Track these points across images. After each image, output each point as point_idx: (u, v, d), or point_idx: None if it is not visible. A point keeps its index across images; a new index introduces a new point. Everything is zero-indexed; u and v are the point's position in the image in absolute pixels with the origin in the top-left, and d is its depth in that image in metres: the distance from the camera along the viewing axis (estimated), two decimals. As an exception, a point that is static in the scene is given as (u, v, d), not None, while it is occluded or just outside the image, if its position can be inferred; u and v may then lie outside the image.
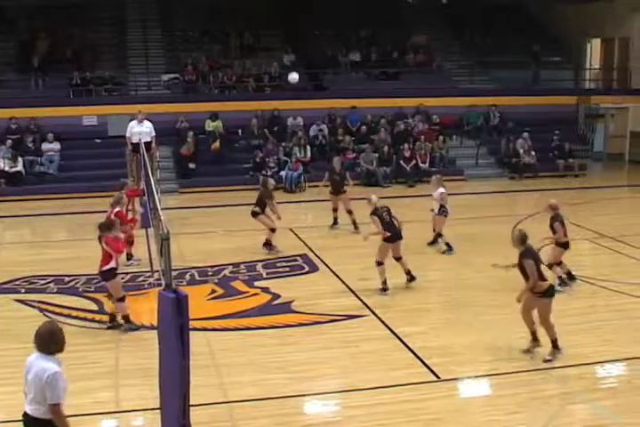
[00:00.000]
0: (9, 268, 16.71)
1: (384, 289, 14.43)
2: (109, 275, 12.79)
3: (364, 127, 28.93)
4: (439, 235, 17.60)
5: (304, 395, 10.42)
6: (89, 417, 9.68)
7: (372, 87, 30.39)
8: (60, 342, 7.24)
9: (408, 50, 32.58)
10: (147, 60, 31.17)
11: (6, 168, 26.01)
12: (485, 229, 19.55)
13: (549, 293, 11.22)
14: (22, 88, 29.45)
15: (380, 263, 14.42)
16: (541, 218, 15.91)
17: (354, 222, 19.14)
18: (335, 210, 19.83)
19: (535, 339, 11.58)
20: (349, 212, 19.25)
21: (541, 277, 11.20)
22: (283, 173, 26.34)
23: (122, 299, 12.79)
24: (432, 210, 17.60)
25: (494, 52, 31.60)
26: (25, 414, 7.18)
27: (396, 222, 14.71)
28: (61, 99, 28.81)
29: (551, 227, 14.20)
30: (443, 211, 17.36)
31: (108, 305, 13.47)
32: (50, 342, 7.17)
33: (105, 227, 13.13)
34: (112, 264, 12.76)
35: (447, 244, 17.38)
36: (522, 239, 11.34)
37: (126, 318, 12.82)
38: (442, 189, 17.41)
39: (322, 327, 12.84)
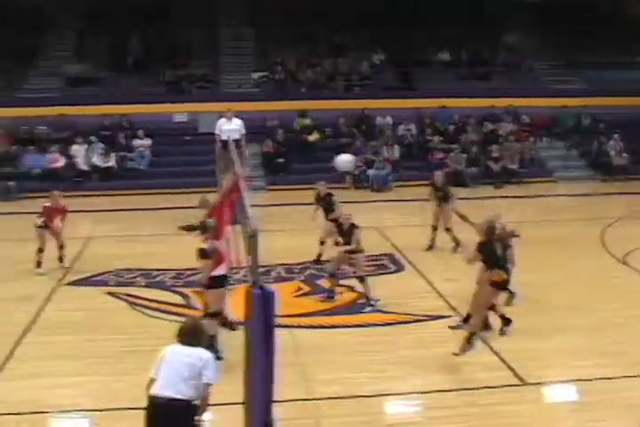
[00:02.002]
0: (99, 261, 17.07)
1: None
2: (214, 283, 11.68)
3: (452, 127, 28.74)
4: None
5: (387, 394, 10.38)
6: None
7: (462, 87, 30.15)
8: (203, 336, 7.69)
9: (499, 49, 32.25)
10: (237, 59, 31.50)
11: (99, 163, 26.62)
12: (574, 232, 19.22)
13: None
14: (116, 85, 30.04)
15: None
16: (632, 221, 15.59)
17: (454, 239, 17.28)
18: (435, 229, 17.74)
19: None
20: (448, 229, 17.49)
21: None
22: (370, 172, 26.32)
23: (215, 314, 11.53)
24: None
25: (586, 52, 31.05)
26: (164, 399, 7.28)
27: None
28: (153, 96, 29.30)
29: None
30: None
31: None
32: (193, 336, 7.53)
33: (203, 229, 12.04)
34: (220, 271, 11.70)
35: None
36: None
37: (213, 337, 11.25)
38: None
39: (407, 327, 12.79)
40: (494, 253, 11.37)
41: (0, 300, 14.47)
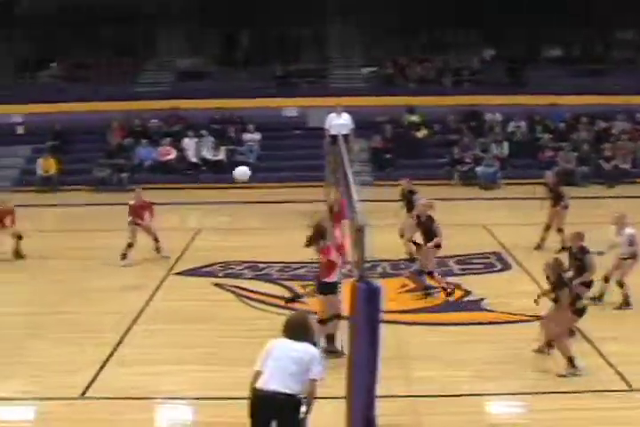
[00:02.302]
0: (208, 252, 17.38)
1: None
2: (328, 288, 11.31)
3: (563, 125, 28.22)
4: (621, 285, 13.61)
5: (489, 394, 10.27)
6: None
7: (573, 84, 29.51)
8: (310, 331, 7.62)
9: (612, 46, 31.49)
10: (347, 54, 31.57)
11: (209, 157, 27.07)
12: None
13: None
14: (226, 80, 30.45)
15: None
16: None
17: (563, 242, 16.24)
18: (547, 228, 17.29)
19: None
20: (560, 230, 16.98)
21: None
22: (478, 169, 26.07)
23: (330, 319, 11.21)
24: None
25: None
26: (270, 393, 7.29)
27: None
28: (263, 91, 29.59)
29: None
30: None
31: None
32: (300, 331, 7.50)
33: (319, 235, 11.64)
34: (333, 277, 11.35)
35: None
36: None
37: (330, 337, 11.32)
38: (630, 230, 13.65)
39: (512, 327, 12.62)
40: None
41: (111, 289, 14.89)
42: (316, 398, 7.45)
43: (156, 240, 16.98)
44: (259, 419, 7.37)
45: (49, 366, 11.15)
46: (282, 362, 7.35)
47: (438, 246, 14.25)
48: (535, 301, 11.30)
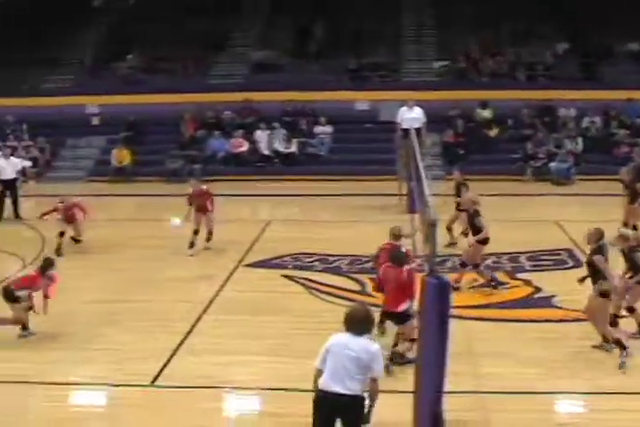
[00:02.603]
0: (278, 244, 17.47)
1: None
2: (405, 318, 10.78)
3: (639, 120, 27.71)
4: None
5: (558, 393, 10.14)
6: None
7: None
8: (372, 324, 7.54)
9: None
10: (419, 47, 31.43)
11: (281, 149, 27.19)
12: None
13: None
14: (299, 72, 30.54)
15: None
16: None
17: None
18: (625, 225, 16.60)
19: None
20: (635, 227, 16.55)
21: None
22: (551, 165, 25.75)
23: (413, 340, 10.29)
24: None
25: None
26: (332, 394, 7.27)
27: None
28: (335, 84, 29.62)
29: None
30: None
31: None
32: (362, 324, 7.37)
33: (398, 260, 10.97)
34: (407, 305, 10.71)
35: None
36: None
37: (401, 355, 10.78)
38: None
39: (583, 325, 12.42)
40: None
41: (183, 278, 15.09)
42: (377, 396, 7.40)
43: (210, 233, 17.16)
44: (323, 418, 7.39)
45: (122, 354, 11.38)
46: (341, 362, 7.27)
47: (483, 242, 14.04)
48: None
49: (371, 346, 7.33)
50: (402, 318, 10.74)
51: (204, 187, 17.62)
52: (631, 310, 11.87)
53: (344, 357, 7.26)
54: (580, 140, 26.74)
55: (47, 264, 12.21)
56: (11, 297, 11.83)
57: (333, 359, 7.32)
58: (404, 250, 11.78)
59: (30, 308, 12.03)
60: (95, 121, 29.82)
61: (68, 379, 10.59)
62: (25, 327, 12.05)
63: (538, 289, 14.10)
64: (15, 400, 9.90)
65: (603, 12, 30.43)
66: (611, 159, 25.99)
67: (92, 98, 29.50)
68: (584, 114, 27.84)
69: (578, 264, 15.72)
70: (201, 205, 17.01)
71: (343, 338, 7.38)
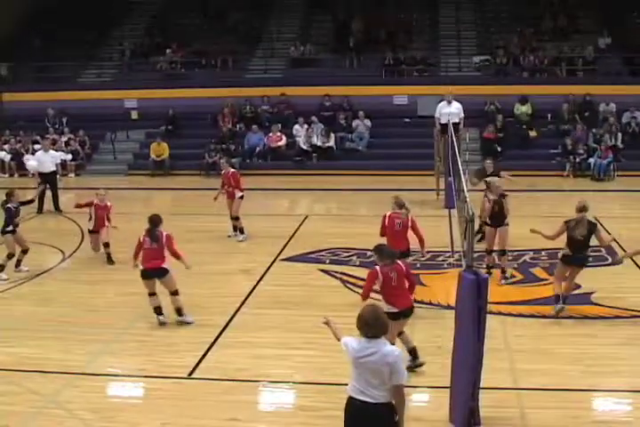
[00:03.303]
0: (316, 238, 17.53)
1: None
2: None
3: (681, 116, 27.41)
4: None
5: (596, 390, 10.06)
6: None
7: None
8: (386, 327, 7.09)
9: None
10: (458, 42, 31.30)
11: (319, 143, 27.21)
12: None
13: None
14: (337, 67, 30.58)
15: None
16: None
17: None
18: None
19: None
20: None
21: None
22: (591, 161, 25.54)
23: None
24: None
25: None
26: (359, 402, 7.03)
27: None
28: (374, 78, 29.65)
29: None
30: None
31: None
32: (375, 327, 7.00)
33: (391, 256, 10.61)
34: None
35: None
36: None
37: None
38: None
39: (622, 322, 12.36)
40: None
41: (220, 272, 15.22)
42: (404, 404, 7.10)
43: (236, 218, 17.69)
44: (352, 424, 7.20)
45: (159, 346, 11.49)
46: (361, 371, 7.01)
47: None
48: None
49: (388, 354, 6.96)
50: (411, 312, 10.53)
51: (232, 170, 18.02)
52: None
53: (363, 367, 6.98)
54: (620, 135, 26.48)
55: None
56: None
57: (355, 370, 7.06)
58: (403, 217, 13.14)
59: None
60: (134, 115, 30.04)
61: (106, 370, 10.72)
62: None
63: (577, 286, 13.99)
64: (56, 390, 10.03)
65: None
66: (651, 155, 25.81)
67: (132, 92, 29.75)
68: (624, 109, 27.57)
69: (617, 261, 15.59)
70: (228, 189, 17.60)
71: (357, 345, 7.08)
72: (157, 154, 27.23)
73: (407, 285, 10.43)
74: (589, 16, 31.86)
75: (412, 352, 10.50)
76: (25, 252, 15.46)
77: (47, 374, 10.53)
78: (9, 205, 15.16)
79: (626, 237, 16.96)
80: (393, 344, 9.37)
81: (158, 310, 12.38)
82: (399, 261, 10.51)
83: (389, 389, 6.93)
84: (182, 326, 12.33)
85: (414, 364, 10.44)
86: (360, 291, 13.84)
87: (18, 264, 15.47)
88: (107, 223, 16.28)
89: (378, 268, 10.36)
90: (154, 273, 12.20)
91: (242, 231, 17.62)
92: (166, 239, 12.32)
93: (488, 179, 15.31)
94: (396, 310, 10.13)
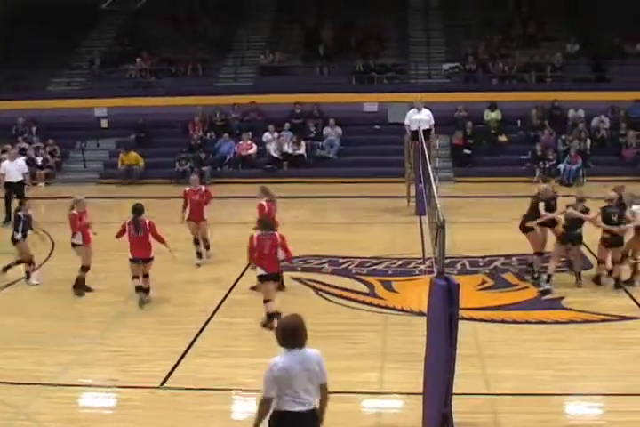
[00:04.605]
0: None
1: None
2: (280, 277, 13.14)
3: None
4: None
5: (568, 394, 10.10)
6: (353, 395, 9.96)
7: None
8: (305, 336, 7.09)
9: None
10: (428, 49, 31.44)
11: (289, 151, 27.21)
12: None
13: None
14: (307, 75, 30.66)
15: None
16: None
17: None
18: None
19: None
20: None
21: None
22: (561, 166, 25.73)
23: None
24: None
25: None
26: (295, 414, 6.94)
27: None
28: (344, 85, 29.72)
29: None
30: None
31: None
32: (300, 336, 7.06)
33: (269, 226, 12.77)
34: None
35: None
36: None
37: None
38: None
39: (593, 327, 12.44)
40: None
41: (191, 281, 15.15)
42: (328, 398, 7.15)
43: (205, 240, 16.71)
44: None
45: (131, 356, 11.42)
46: (297, 383, 6.89)
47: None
48: None
49: (315, 355, 7.06)
50: (279, 277, 12.90)
51: (203, 187, 17.04)
52: None
53: (298, 376, 6.92)
54: (588, 141, 26.68)
55: None
56: None
57: (289, 382, 6.90)
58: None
59: None
60: (104, 123, 29.90)
61: (78, 381, 10.62)
62: None
63: (547, 290, 14.08)
64: (26, 401, 9.93)
65: (612, 13, 30.42)
66: (619, 160, 26.00)
67: (101, 100, 29.61)
68: (593, 115, 27.79)
69: (588, 266, 15.71)
70: (195, 209, 16.43)
71: (287, 360, 7.00)
72: (129, 163, 27.09)
73: (284, 255, 12.40)
74: (557, 23, 32.11)
75: (269, 316, 12.07)
76: (19, 262, 15.28)
77: (18, 385, 10.41)
78: (19, 213, 15.04)
79: (593, 243, 17.07)
80: (267, 302, 12.19)
81: (140, 289, 13.58)
82: (276, 233, 12.39)
83: (317, 389, 6.99)
84: (153, 335, 12.26)
85: (266, 323, 12.03)
86: (333, 298, 13.96)
87: (6, 269, 15.37)
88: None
89: (255, 235, 12.25)
90: (142, 260, 13.51)
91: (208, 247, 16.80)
92: (150, 227, 13.48)
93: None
94: (264, 273, 12.14)
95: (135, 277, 13.57)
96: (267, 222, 12.71)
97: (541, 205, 14.78)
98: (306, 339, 7.05)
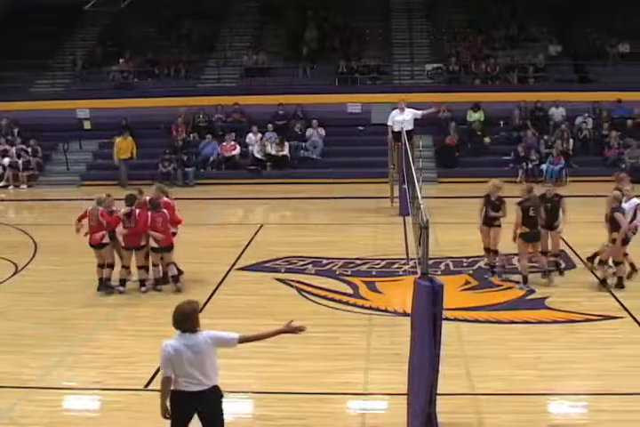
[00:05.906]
0: (271, 247, 17.46)
1: None
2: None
3: (630, 121, 27.76)
4: None
5: (552, 394, 10.13)
6: (336, 396, 10.00)
7: (640, 80, 28.98)
8: (196, 322, 7.49)
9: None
10: (411, 50, 31.49)
11: (273, 152, 27.18)
12: None
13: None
14: (291, 76, 30.62)
15: None
16: None
17: None
18: None
19: None
20: None
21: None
22: (543, 167, 25.81)
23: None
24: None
25: None
26: (199, 392, 7.52)
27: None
28: (327, 86, 29.73)
29: None
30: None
31: None
32: (190, 321, 7.44)
33: (157, 206, 14.60)
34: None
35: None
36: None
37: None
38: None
39: (576, 326, 12.48)
40: None
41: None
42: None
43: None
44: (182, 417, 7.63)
45: (115, 358, 11.36)
46: (199, 360, 7.45)
47: None
48: None
49: (206, 334, 7.51)
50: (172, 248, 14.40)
51: (165, 198, 15.31)
52: None
53: (196, 356, 7.42)
54: (571, 141, 26.78)
55: None
56: None
57: (185, 363, 7.39)
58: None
59: None
60: (87, 125, 29.78)
61: (62, 383, 10.58)
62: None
63: (530, 291, 14.12)
64: (10, 404, 9.88)
65: (594, 13, 30.56)
66: (602, 161, 26.11)
67: (84, 102, 29.50)
68: (575, 115, 27.90)
69: (571, 266, 15.79)
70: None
71: (180, 344, 7.40)
72: (125, 150, 26.82)
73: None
74: (540, 24, 32.23)
75: (157, 281, 14.43)
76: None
77: (1, 388, 10.36)
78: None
79: (579, 243, 17.16)
80: (170, 264, 14.43)
81: (123, 282, 14.38)
82: (164, 210, 14.22)
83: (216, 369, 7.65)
84: (137, 337, 12.22)
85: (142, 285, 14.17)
86: (316, 299, 13.95)
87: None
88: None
89: (149, 213, 14.08)
90: (133, 247, 14.29)
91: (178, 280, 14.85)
92: (139, 217, 14.11)
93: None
94: (156, 246, 14.15)
95: (126, 266, 14.38)
96: (152, 203, 14.45)
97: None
98: (197, 325, 7.47)
